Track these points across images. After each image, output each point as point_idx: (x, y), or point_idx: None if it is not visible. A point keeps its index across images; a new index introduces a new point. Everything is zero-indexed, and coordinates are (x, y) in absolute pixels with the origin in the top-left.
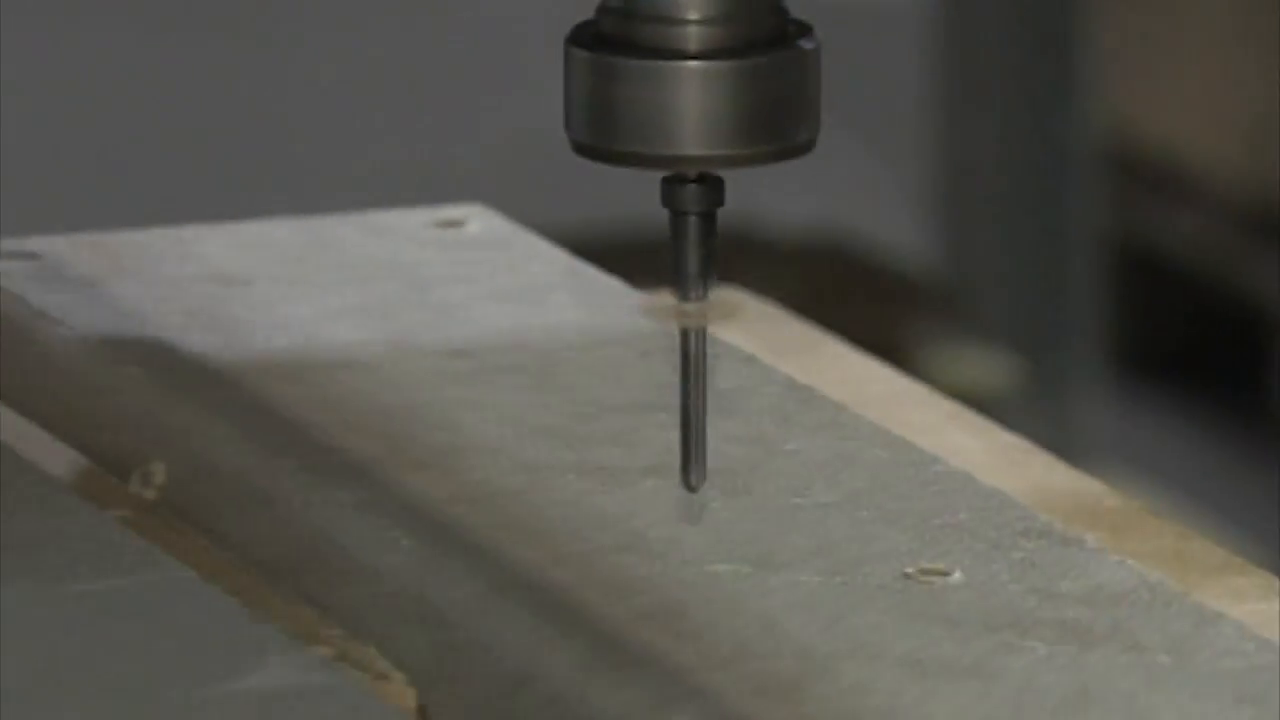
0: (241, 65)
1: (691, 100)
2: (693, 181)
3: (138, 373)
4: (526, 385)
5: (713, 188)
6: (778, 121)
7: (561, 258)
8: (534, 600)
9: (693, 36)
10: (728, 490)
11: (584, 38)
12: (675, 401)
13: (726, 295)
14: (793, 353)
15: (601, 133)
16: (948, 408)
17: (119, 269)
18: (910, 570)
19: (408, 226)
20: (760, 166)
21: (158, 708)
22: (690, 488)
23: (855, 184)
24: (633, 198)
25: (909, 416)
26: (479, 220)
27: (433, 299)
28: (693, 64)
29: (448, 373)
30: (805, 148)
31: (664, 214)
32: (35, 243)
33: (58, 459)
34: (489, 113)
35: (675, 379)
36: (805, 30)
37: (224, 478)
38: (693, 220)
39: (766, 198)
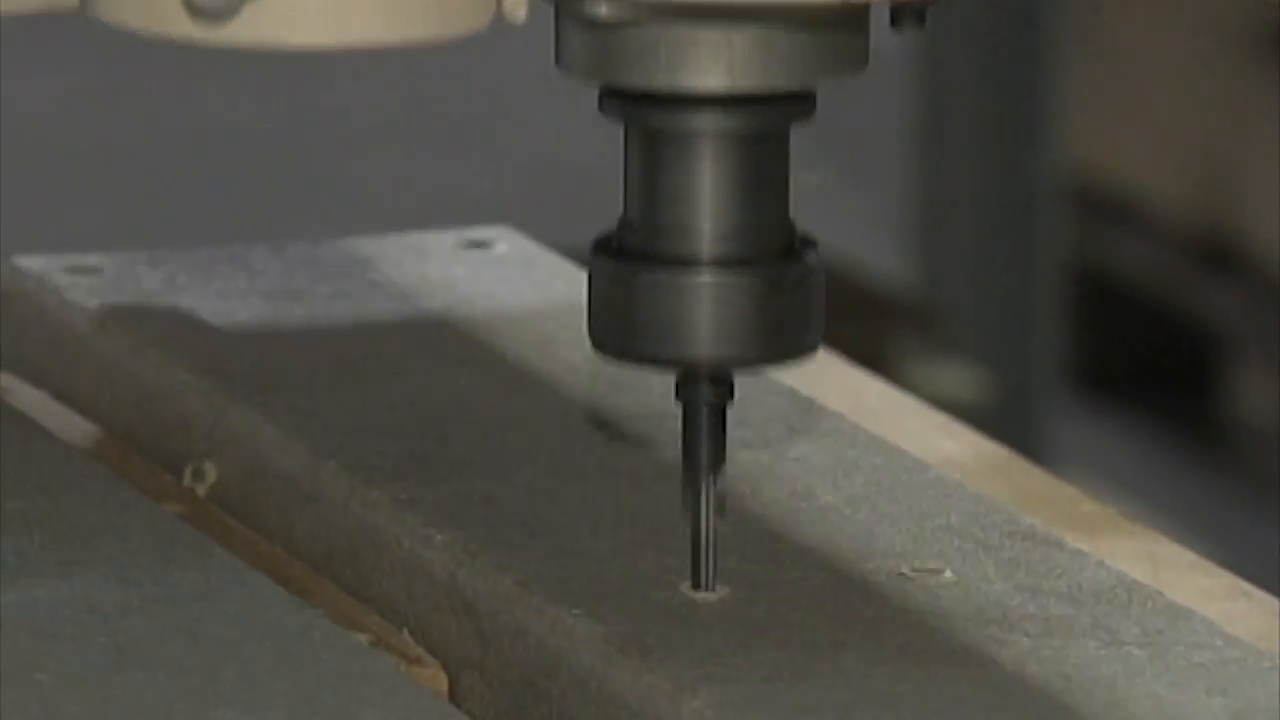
0: (291, 103)
1: (704, 308)
2: (705, 380)
3: (191, 379)
4: (554, 392)
5: (723, 385)
6: (785, 328)
7: (583, 277)
8: (559, 592)
9: (708, 250)
10: (737, 493)
11: (607, 247)
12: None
13: None
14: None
15: (621, 335)
16: (937, 419)
17: (175, 284)
18: (906, 569)
19: (440, 247)
20: (767, 367)
21: (218, 686)
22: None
23: (842, 212)
24: None
25: (902, 426)
26: (506, 241)
27: (466, 313)
28: (706, 277)
29: (481, 381)
30: (810, 350)
31: None
32: (95, 259)
33: (118, 459)
34: (514, 141)
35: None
36: (809, 244)
37: (271, 477)
38: (704, 414)
39: None
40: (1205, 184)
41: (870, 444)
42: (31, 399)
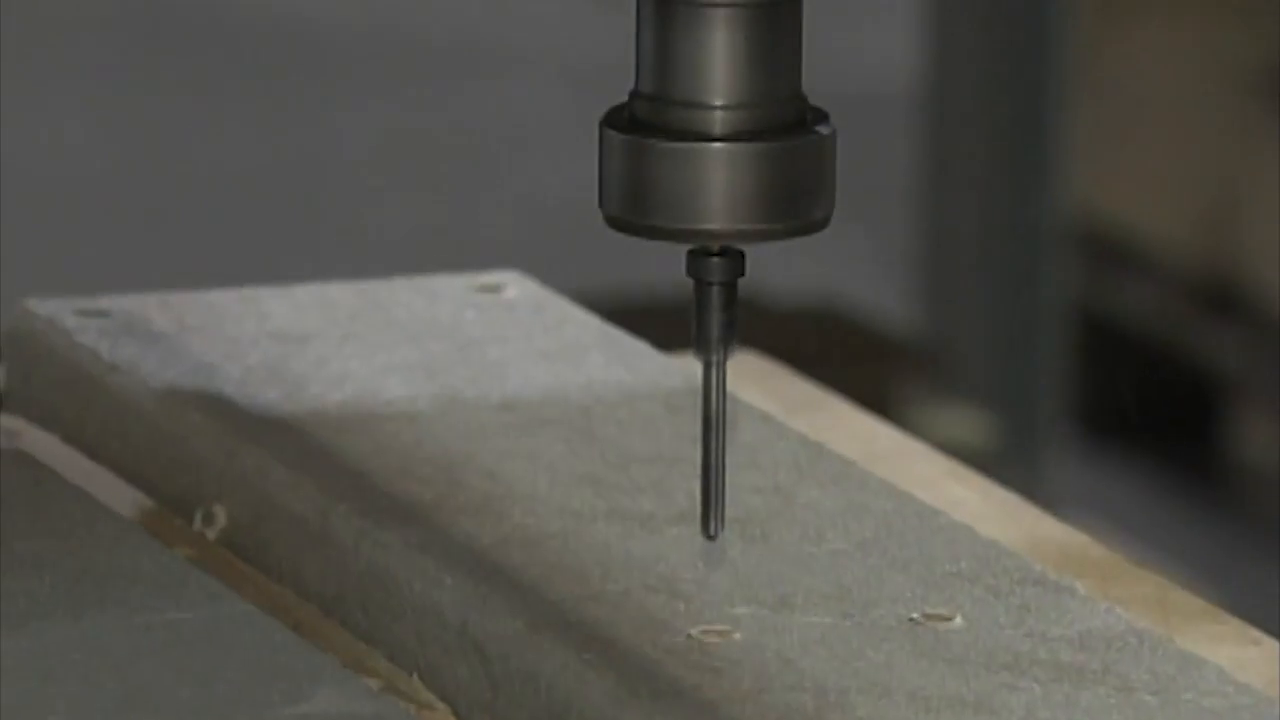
0: (296, 140)
1: (717, 180)
2: (716, 254)
3: (202, 421)
4: (564, 437)
5: (734, 260)
6: (796, 200)
7: (593, 321)
8: (571, 636)
9: (719, 120)
10: (748, 537)
11: (618, 120)
12: (696, 454)
13: (745, 357)
14: (804, 410)
15: (633, 208)
16: (946, 464)
17: (185, 326)
18: (916, 614)
19: (452, 290)
20: (779, 240)
21: None
22: (709, 536)
23: (849, 256)
24: (651, 268)
25: (911, 471)
26: (516, 286)
27: (476, 357)
28: (718, 146)
29: (491, 425)
30: (821, 224)
31: (684, 284)
32: (106, 302)
33: (128, 501)
34: (521, 185)
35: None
36: (822, 117)
37: (281, 520)
38: (715, 289)
39: (769, 267)
40: (1208, 227)
41: (880, 489)
42: (41, 441)
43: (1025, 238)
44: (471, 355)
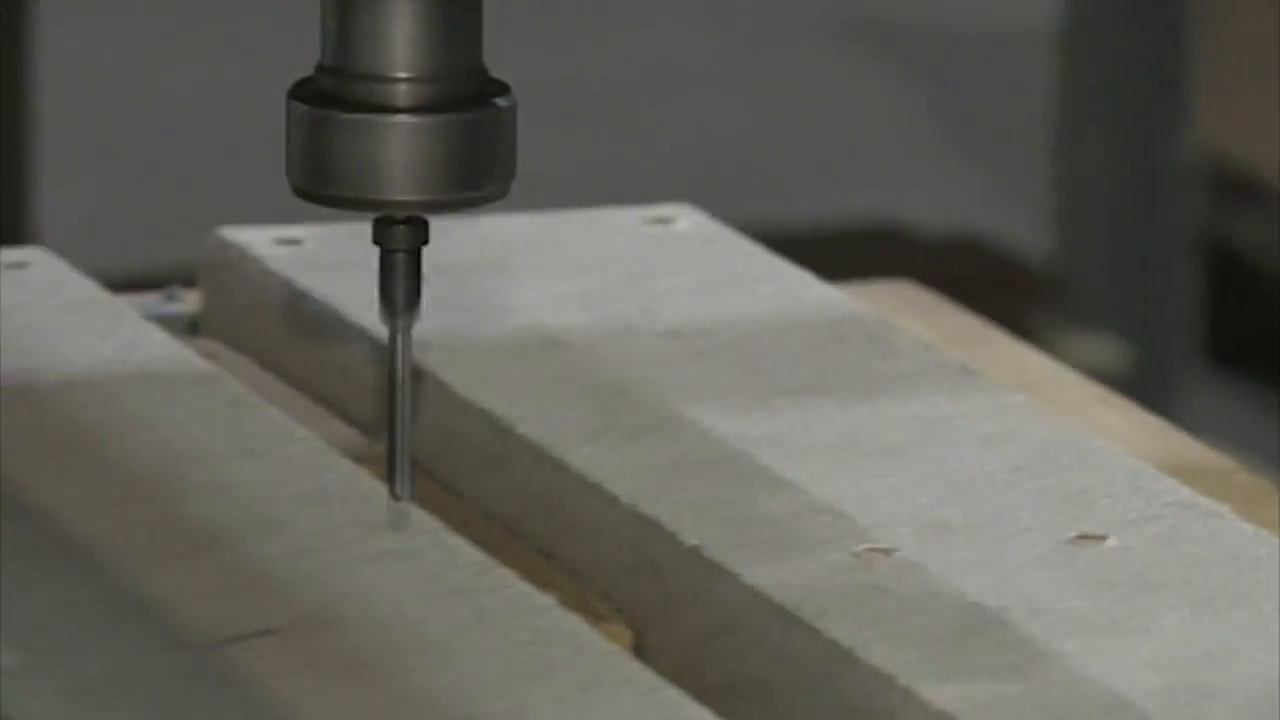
0: None
1: (398, 151)
2: (401, 223)
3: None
4: (729, 364)
5: (418, 228)
6: (475, 170)
7: (759, 252)
8: (739, 554)
9: (399, 94)
10: (910, 460)
11: (304, 93)
12: (860, 381)
13: (902, 287)
14: (959, 340)
15: (318, 180)
16: (1095, 390)
17: (373, 255)
18: (1070, 536)
19: (625, 223)
20: (460, 211)
21: (420, 640)
22: (395, 497)
23: (989, 191)
24: (814, 201)
25: (1062, 397)
26: (686, 218)
27: (647, 286)
28: (399, 118)
29: (662, 352)
30: (500, 194)
31: (843, 217)
32: (298, 230)
33: (317, 421)
34: (690, 119)
35: (867, 360)
36: (503, 89)
37: (461, 440)
38: (401, 257)
39: (916, 203)
40: None
41: (1034, 415)
42: (236, 363)
43: (1155, 172)
44: (643, 285)
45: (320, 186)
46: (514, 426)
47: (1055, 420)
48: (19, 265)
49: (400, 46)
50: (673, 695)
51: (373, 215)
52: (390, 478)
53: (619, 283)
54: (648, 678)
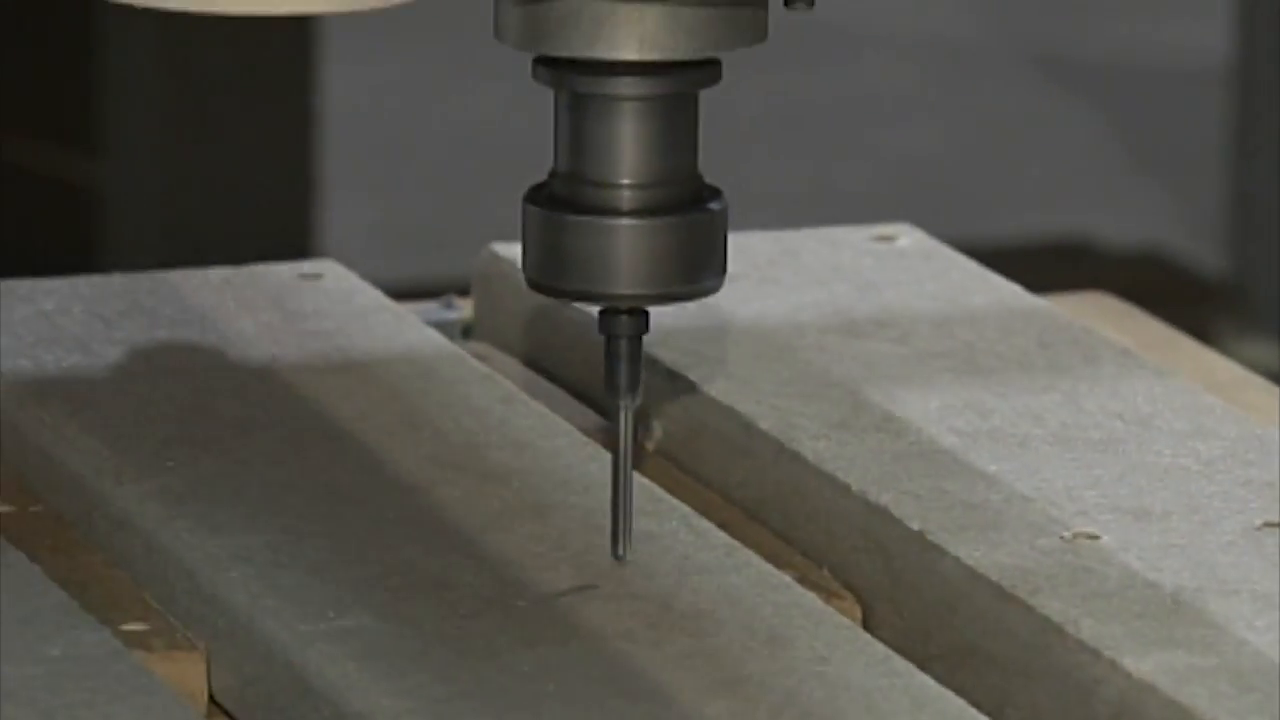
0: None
1: (623, 249)
2: (624, 313)
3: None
4: (951, 368)
5: (639, 318)
6: (691, 267)
7: (973, 266)
8: (961, 537)
9: (625, 198)
10: (1113, 454)
11: (539, 197)
12: (1066, 382)
13: (1098, 298)
14: (1154, 345)
15: (552, 274)
16: (1277, 392)
17: None
18: (1259, 524)
19: (852, 240)
20: (677, 303)
21: (673, 615)
22: (617, 557)
23: (1170, 209)
24: (1020, 220)
25: (1246, 398)
26: (908, 236)
27: (874, 297)
28: (625, 221)
29: (889, 356)
30: (714, 288)
31: (1046, 231)
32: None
33: (580, 417)
34: (882, 149)
35: (1073, 364)
36: (715, 194)
37: (710, 435)
38: (624, 343)
39: (1103, 220)
40: None
41: (1224, 414)
42: (505, 364)
43: None
44: (870, 296)
45: (552, 280)
46: (756, 422)
47: (1242, 419)
48: (314, 276)
49: (625, 156)
50: (900, 664)
51: (599, 306)
52: (614, 539)
53: (849, 293)
54: (877, 649)
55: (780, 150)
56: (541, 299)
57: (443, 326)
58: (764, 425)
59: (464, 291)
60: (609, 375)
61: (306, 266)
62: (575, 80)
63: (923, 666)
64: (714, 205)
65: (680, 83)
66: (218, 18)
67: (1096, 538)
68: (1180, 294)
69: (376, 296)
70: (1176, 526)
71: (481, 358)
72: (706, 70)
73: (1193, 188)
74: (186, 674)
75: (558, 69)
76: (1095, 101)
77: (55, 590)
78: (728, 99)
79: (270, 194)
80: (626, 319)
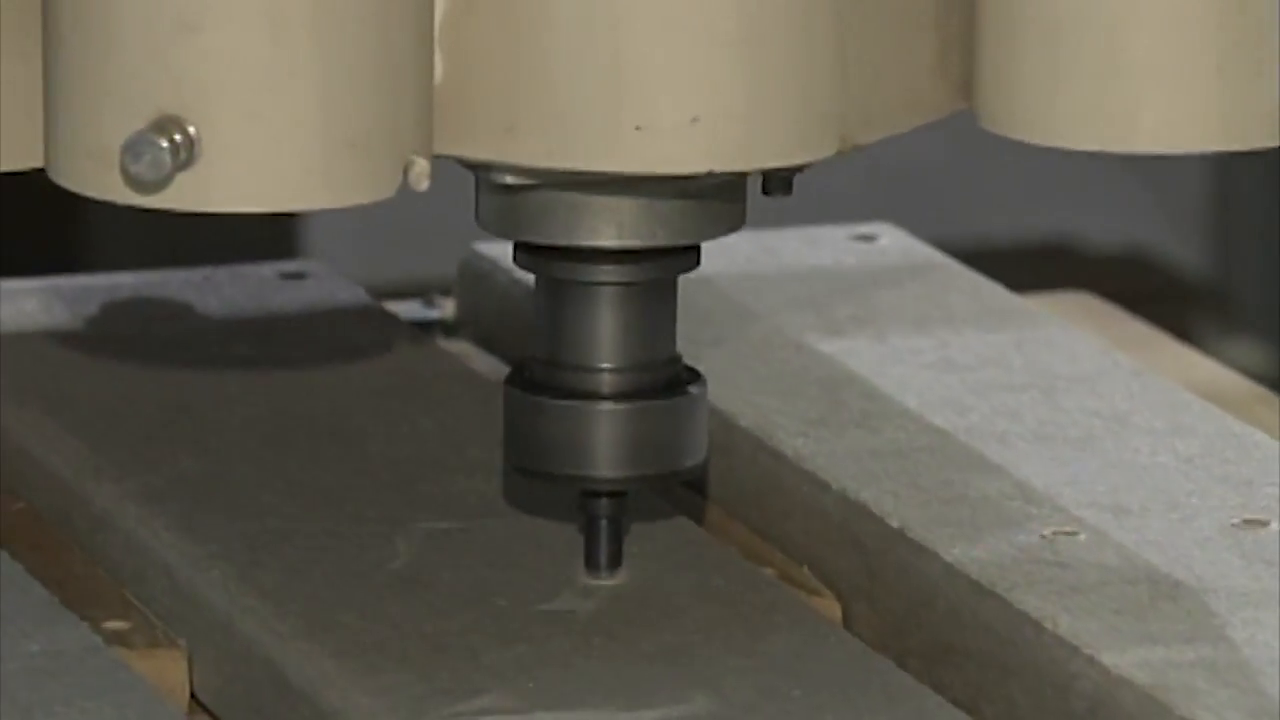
0: None
1: (604, 433)
2: (605, 495)
3: None
4: (930, 364)
5: (619, 500)
6: (672, 451)
7: (954, 265)
8: (938, 534)
9: (606, 382)
10: (1091, 451)
11: (519, 380)
12: (1045, 380)
13: (1079, 298)
14: (1133, 344)
15: (531, 456)
16: (1254, 390)
17: None
18: (1236, 520)
19: (834, 239)
20: (657, 485)
21: (651, 613)
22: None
23: (1153, 209)
24: (1003, 222)
25: (1225, 397)
26: (888, 236)
27: (855, 296)
28: (605, 405)
29: (869, 353)
30: (695, 470)
31: (1031, 231)
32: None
33: None
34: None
35: (1051, 361)
36: (695, 377)
37: None
38: (603, 524)
39: (1086, 221)
40: None
41: (1201, 412)
42: (486, 363)
43: None
44: (851, 294)
45: (534, 464)
46: (735, 419)
47: (1220, 416)
48: (297, 275)
49: (604, 340)
50: (878, 660)
51: (579, 489)
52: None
53: (830, 292)
54: (855, 644)
55: None
56: (523, 298)
57: (425, 325)
58: (743, 423)
59: (446, 291)
60: (589, 553)
61: (289, 265)
62: (554, 266)
63: (901, 662)
64: (693, 389)
65: (658, 269)
66: None
67: (1074, 534)
68: (1162, 294)
69: (359, 295)
70: (1154, 523)
71: (463, 356)
72: (685, 256)
73: (1175, 188)
74: (167, 671)
75: (537, 255)
76: None
77: (36, 587)
78: None
79: None
80: (607, 501)
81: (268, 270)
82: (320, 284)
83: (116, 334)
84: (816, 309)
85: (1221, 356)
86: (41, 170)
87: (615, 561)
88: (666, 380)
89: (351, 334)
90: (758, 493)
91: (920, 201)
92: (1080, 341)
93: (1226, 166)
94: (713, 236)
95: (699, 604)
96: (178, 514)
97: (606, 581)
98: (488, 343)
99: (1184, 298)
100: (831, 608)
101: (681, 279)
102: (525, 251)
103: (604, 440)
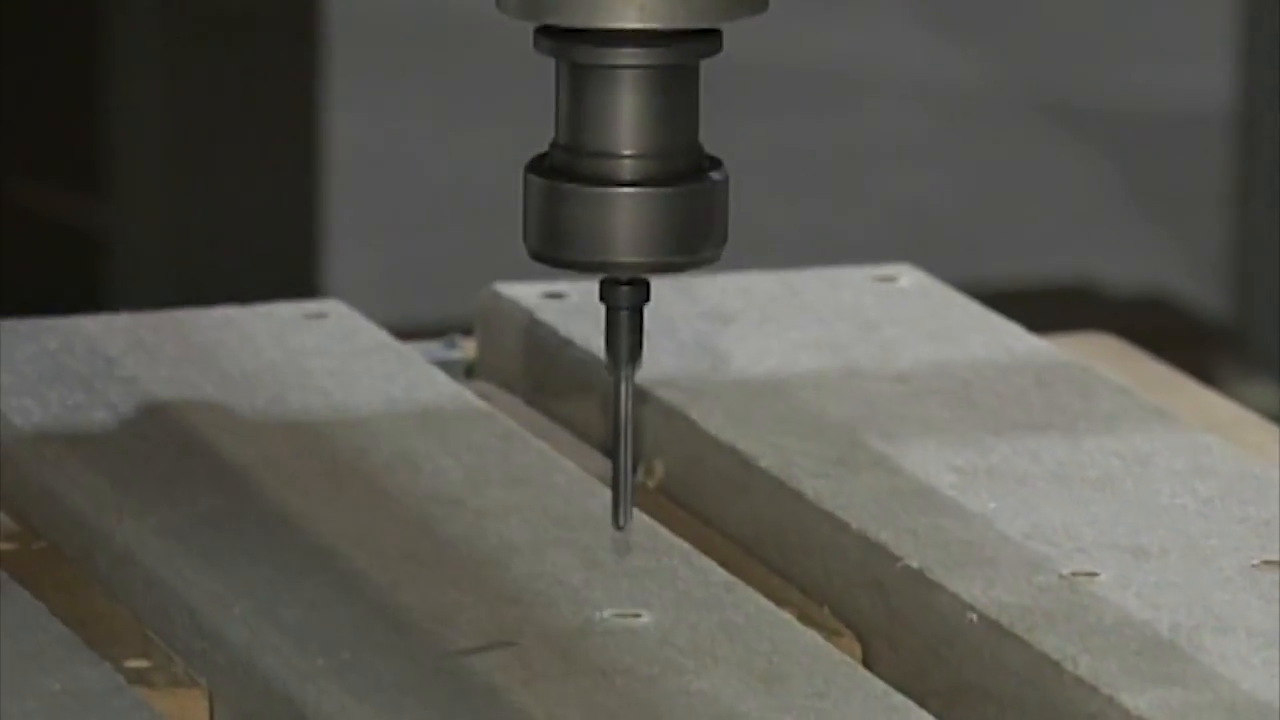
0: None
1: (624, 219)
2: (624, 284)
3: (641, 390)
4: (948, 405)
5: (639, 288)
6: (692, 236)
7: (973, 306)
8: (959, 574)
9: (626, 168)
10: (1111, 492)
11: (540, 168)
12: (1065, 421)
13: (1100, 339)
14: (1155, 386)
15: (552, 244)
16: (1276, 432)
17: None
18: (1256, 561)
19: (853, 279)
20: (678, 272)
21: (670, 650)
22: (619, 527)
23: (1172, 253)
24: (1020, 262)
25: (1245, 438)
26: (908, 276)
27: (874, 336)
28: (626, 190)
29: (887, 394)
30: (713, 257)
31: (1054, 274)
32: (563, 285)
33: (581, 455)
34: (888, 191)
35: (1071, 402)
36: (716, 164)
37: (709, 473)
38: (624, 314)
39: (1105, 264)
40: None
41: (1223, 453)
42: (507, 403)
43: None
44: (870, 335)
45: (553, 250)
46: (755, 460)
47: (1241, 458)
48: (319, 315)
49: (625, 126)
50: (899, 700)
51: (599, 276)
52: (615, 509)
53: (849, 332)
54: (876, 685)
55: (784, 194)
56: (542, 339)
57: (446, 366)
58: (763, 463)
59: (467, 331)
60: (609, 345)
61: (310, 306)
62: (576, 50)
63: (921, 703)
64: (715, 175)
65: (680, 53)
66: (223, 62)
67: (1094, 575)
68: (1182, 337)
69: (380, 336)
70: (1174, 564)
71: (484, 396)
72: (707, 40)
73: (1195, 231)
74: (188, 710)
75: (559, 39)
76: (1098, 145)
77: (57, 626)
78: (732, 143)
79: (275, 236)
80: (627, 289)
81: (289, 310)
82: (341, 324)
83: (137, 373)
84: (836, 349)
85: (1241, 398)
86: (63, 208)
87: (635, 354)
88: (688, 167)
89: (373, 374)
90: (777, 533)
91: (942, 245)
92: (1099, 381)
93: (1246, 210)
94: (734, 19)
95: (719, 644)
96: (199, 552)
97: (632, 614)
98: (508, 383)
99: (1203, 340)
100: (852, 648)
101: (699, 321)
102: (547, 36)
103: (624, 226)
